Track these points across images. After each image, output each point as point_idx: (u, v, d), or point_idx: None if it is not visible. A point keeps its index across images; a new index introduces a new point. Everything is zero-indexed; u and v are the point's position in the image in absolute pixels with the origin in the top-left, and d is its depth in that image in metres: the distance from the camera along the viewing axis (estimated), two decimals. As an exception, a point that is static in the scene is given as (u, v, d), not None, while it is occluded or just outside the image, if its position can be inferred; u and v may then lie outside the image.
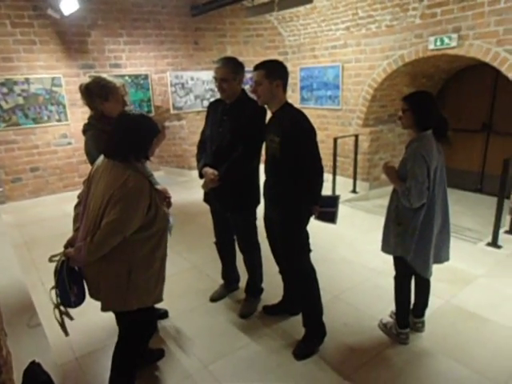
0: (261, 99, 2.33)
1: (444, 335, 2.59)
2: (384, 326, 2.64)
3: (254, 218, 2.75)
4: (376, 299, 2.98)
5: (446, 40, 4.45)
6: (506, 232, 4.09)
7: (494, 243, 3.86)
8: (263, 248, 2.80)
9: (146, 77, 6.26)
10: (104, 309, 1.87)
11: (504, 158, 3.82)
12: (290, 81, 6.42)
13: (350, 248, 3.95)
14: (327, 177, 5.41)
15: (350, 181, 5.74)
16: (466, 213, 4.80)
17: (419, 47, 4.75)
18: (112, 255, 1.77)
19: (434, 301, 2.73)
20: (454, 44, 4.40)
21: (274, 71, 2.26)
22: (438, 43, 4.53)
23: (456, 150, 5.70)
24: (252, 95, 2.45)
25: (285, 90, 2.31)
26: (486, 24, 4.13)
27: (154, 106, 6.45)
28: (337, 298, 3.05)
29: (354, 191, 5.66)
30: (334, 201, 2.40)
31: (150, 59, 6.31)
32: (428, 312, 2.63)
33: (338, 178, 5.60)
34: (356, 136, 5.55)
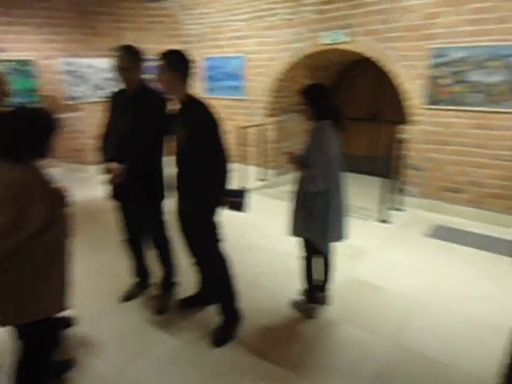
0: (165, 90, 2.30)
1: (346, 305, 2.87)
2: (295, 304, 2.83)
3: (162, 211, 2.72)
4: (288, 280, 3.17)
5: (338, 35, 4.82)
6: (394, 209, 4.65)
7: (384, 220, 4.37)
8: (175, 240, 2.79)
9: (31, 63, 5.63)
10: (2, 323, 1.69)
11: (386, 143, 4.33)
12: (195, 71, 6.42)
13: (262, 234, 4.12)
14: (238, 166, 5.58)
15: (259, 169, 5.94)
16: (360, 194, 5.32)
17: (314, 41, 5.07)
18: (5, 264, 1.60)
19: (337, 275, 3.00)
20: (344, 39, 4.79)
21: (176, 62, 2.23)
22: (331, 38, 4.88)
23: (350, 137, 6.24)
24: (156, 85, 2.39)
25: (188, 82, 2.30)
26: (372, 22, 4.57)
27: (42, 96, 5.84)
28: (252, 283, 3.17)
29: (263, 179, 5.88)
30: (241, 192, 2.47)
31: (36, 43, 5.68)
32: (333, 286, 2.89)
33: (248, 167, 5.76)
34: (262, 125, 5.74)
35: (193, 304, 2.84)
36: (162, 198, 2.71)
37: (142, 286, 3.04)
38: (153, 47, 6.08)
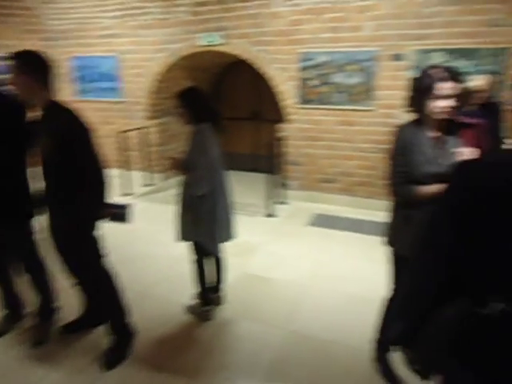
0: (20, 94, 2.03)
1: (241, 302, 2.96)
2: (190, 309, 2.81)
3: (31, 231, 2.42)
4: (182, 286, 3.12)
5: (213, 38, 4.90)
6: (278, 203, 4.95)
7: (270, 214, 4.62)
8: (51, 261, 2.50)
9: None
10: None
11: (267, 141, 4.58)
12: (62, 71, 5.83)
13: (151, 242, 3.98)
14: (120, 173, 5.27)
15: (144, 174, 5.71)
16: (247, 191, 5.52)
17: (191, 42, 5.06)
18: None
19: (230, 274, 3.07)
20: (220, 41, 4.89)
21: (30, 64, 1.99)
22: (207, 40, 4.94)
23: (234, 136, 6.43)
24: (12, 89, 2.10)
25: (49, 86, 2.07)
26: (245, 26, 4.75)
27: None
28: (143, 294, 3.04)
29: (149, 184, 5.66)
30: (122, 206, 2.33)
31: None
32: (226, 285, 2.94)
33: (131, 172, 5.48)
34: (144, 129, 5.52)
35: (78, 328, 2.59)
36: (29, 215, 2.40)
37: (14, 318, 2.66)
38: (9, 43, 5.37)
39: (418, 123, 1.88)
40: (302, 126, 4.85)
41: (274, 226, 4.38)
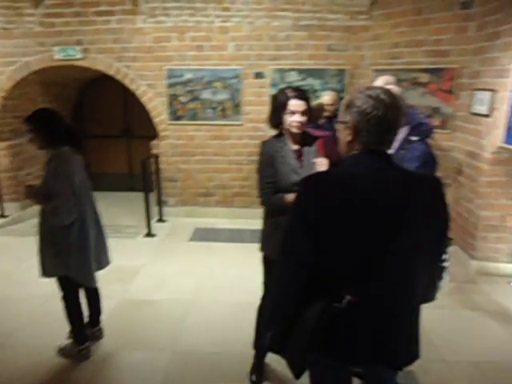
0: None
1: (122, 331, 2.78)
2: (63, 351, 2.52)
3: None
4: (51, 327, 2.78)
5: (70, 51, 4.56)
6: (157, 221, 4.82)
7: (150, 233, 4.46)
8: None
9: None
10: None
11: (142, 159, 4.44)
12: None
13: (10, 282, 3.46)
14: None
15: (-4, 204, 4.94)
16: (123, 212, 5.24)
17: (45, 56, 4.61)
18: None
19: (108, 303, 2.86)
20: (78, 56, 4.57)
21: None
22: (63, 54, 4.57)
23: (104, 155, 6.06)
24: None
25: None
26: (104, 40, 4.53)
27: None
28: (3, 344, 2.62)
29: (1, 215, 4.91)
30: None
31: None
32: (104, 316, 2.73)
33: (-23, 203, 4.67)
34: (-9, 152, 4.78)
35: None
36: None
37: None
38: None
39: (279, 137, 2.07)
40: (176, 142, 4.84)
41: (155, 246, 4.25)
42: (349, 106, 1.26)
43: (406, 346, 1.31)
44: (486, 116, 3.44)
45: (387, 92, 1.22)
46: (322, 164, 2.11)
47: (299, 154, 2.09)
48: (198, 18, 4.43)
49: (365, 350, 1.25)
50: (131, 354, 2.57)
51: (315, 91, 4.55)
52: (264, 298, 2.25)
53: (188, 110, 4.71)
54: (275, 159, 2.02)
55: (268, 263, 2.14)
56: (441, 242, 1.33)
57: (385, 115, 1.19)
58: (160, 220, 4.88)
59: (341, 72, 4.52)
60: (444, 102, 3.96)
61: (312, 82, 4.56)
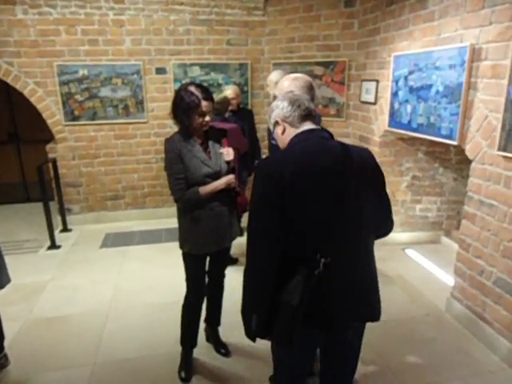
0: None
1: (34, 353, 2.52)
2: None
3: None
4: None
5: None
6: (61, 231, 4.43)
7: (54, 245, 4.08)
8: None
9: None
10: None
11: (38, 165, 4.03)
12: None
13: None
14: None
15: None
16: (21, 225, 4.72)
17: None
18: None
19: (11, 326, 2.57)
20: None
21: None
22: None
23: (-10, 165, 5.36)
24: None
25: None
26: None
27: None
28: None
29: None
30: None
31: None
32: (9, 341, 2.45)
33: None
34: None
35: None
36: None
37: None
38: None
39: (184, 133, 2.06)
40: (75, 145, 4.48)
41: (61, 258, 3.90)
42: (272, 110, 1.50)
43: (377, 295, 1.48)
44: (373, 104, 3.84)
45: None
46: (228, 153, 2.17)
47: (205, 147, 2.11)
48: (89, 10, 4.14)
49: (345, 309, 1.39)
50: (47, 375, 2.35)
51: (219, 85, 4.60)
52: (188, 295, 2.24)
53: (86, 109, 4.39)
54: (183, 154, 2.00)
55: (189, 259, 2.13)
56: (384, 194, 1.53)
57: (295, 98, 1.46)
58: (64, 230, 4.49)
59: (242, 66, 4.63)
60: (338, 92, 4.32)
61: (215, 77, 4.59)
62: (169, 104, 4.40)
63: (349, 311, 1.41)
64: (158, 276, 3.50)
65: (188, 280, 2.20)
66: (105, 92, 4.37)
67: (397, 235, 4.06)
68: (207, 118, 2.04)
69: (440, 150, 3.90)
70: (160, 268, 3.64)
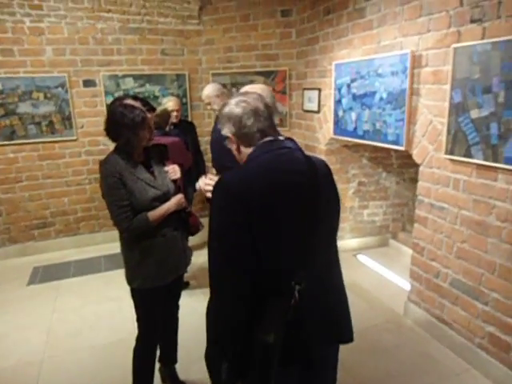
0: None
1: None
2: None
3: None
4: None
5: None
6: (-21, 269, 3.82)
7: (-31, 287, 3.48)
8: None
9: None
10: None
11: None
12: None
13: None
14: None
15: None
16: None
17: None
18: None
19: None
20: None
21: None
22: None
23: None
24: None
25: None
26: None
27: None
28: None
29: None
30: None
31: None
32: None
33: None
34: None
35: None
36: None
37: None
38: None
39: (122, 152, 1.80)
40: (-11, 168, 3.92)
41: (-22, 301, 3.33)
42: (224, 122, 1.26)
43: (349, 316, 1.37)
44: (317, 112, 3.83)
45: (241, 95, 1.28)
46: (174, 171, 1.96)
47: (147, 166, 1.88)
48: (0, 17, 3.66)
49: (322, 334, 1.24)
50: None
51: (156, 98, 4.32)
52: (141, 337, 1.95)
53: (2, 128, 3.85)
54: (125, 178, 1.74)
55: (141, 296, 1.85)
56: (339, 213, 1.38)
57: (243, 110, 1.22)
58: (-19, 267, 3.88)
59: (180, 77, 4.40)
60: (280, 102, 4.26)
61: (151, 89, 4.31)
62: (101, 119, 4.09)
63: (326, 336, 1.27)
64: (99, 312, 3.11)
65: (140, 319, 1.92)
66: (24, 108, 3.87)
67: (347, 242, 4.06)
68: (150, 131, 1.82)
69: (382, 156, 3.98)
70: (101, 302, 3.24)
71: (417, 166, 4.08)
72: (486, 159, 2.16)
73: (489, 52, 2.06)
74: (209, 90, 3.44)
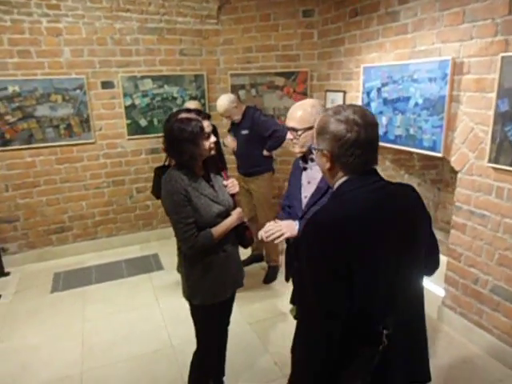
0: None
1: None
2: None
3: None
4: None
5: None
6: (-1, 277, 3.74)
7: (-7, 296, 3.41)
8: None
9: None
10: None
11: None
12: None
13: None
14: None
15: None
16: None
17: None
18: None
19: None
20: None
21: None
22: None
23: None
24: None
25: None
26: None
27: None
28: None
29: None
30: None
31: None
32: None
33: None
34: None
35: None
36: None
37: None
38: None
39: (183, 167, 1.75)
40: (8, 173, 3.80)
41: (3, 311, 3.25)
42: (320, 132, 1.15)
43: (427, 355, 1.29)
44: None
45: (358, 111, 1.12)
46: (233, 185, 1.93)
47: (207, 180, 1.84)
48: (16, 17, 3.53)
49: (401, 376, 1.18)
50: None
51: (174, 99, 4.25)
52: (200, 353, 1.92)
53: (19, 132, 3.74)
54: (190, 194, 1.70)
55: (203, 312, 1.82)
56: (433, 233, 1.31)
57: (358, 136, 1.09)
58: (1, 274, 3.80)
59: (198, 77, 4.32)
60: (300, 103, 4.22)
61: (169, 90, 4.23)
62: (119, 122, 4.02)
63: (407, 377, 1.23)
64: (129, 321, 3.07)
65: (201, 334, 1.89)
66: (42, 111, 3.77)
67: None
68: (213, 139, 1.77)
69: (405, 158, 3.98)
70: (130, 310, 3.20)
71: (437, 167, 4.13)
72: (534, 169, 2.17)
73: (541, 63, 2.05)
74: (226, 104, 3.39)
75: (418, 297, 1.25)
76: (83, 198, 4.15)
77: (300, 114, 1.76)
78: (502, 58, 2.23)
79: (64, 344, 2.81)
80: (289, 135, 1.79)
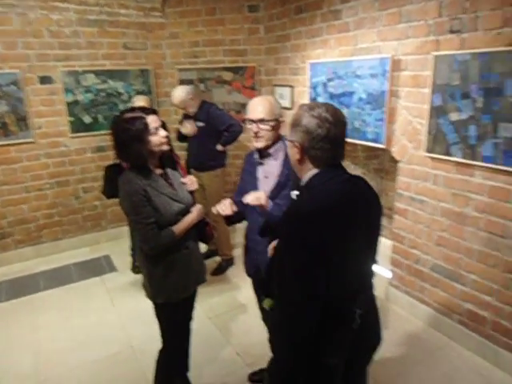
0: None
1: None
2: None
3: None
4: None
5: None
6: None
7: None
8: None
9: None
10: None
11: None
12: None
13: None
14: None
15: None
16: None
17: None
18: None
19: None
20: None
21: None
22: None
23: None
24: None
25: None
26: None
27: None
28: None
29: None
30: None
31: None
32: None
33: None
34: None
35: None
36: None
37: None
38: None
39: (140, 166, 1.73)
40: None
41: None
42: (294, 124, 1.23)
43: (379, 320, 1.44)
44: (289, 109, 3.91)
45: (330, 110, 1.20)
46: (191, 182, 1.94)
47: (165, 178, 1.83)
48: None
49: (367, 346, 1.36)
50: None
51: (120, 94, 4.11)
52: (166, 351, 1.93)
53: None
54: (149, 194, 1.68)
55: (168, 309, 1.83)
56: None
57: (328, 132, 1.18)
58: None
59: (144, 72, 4.21)
60: (249, 98, 4.24)
61: (114, 85, 4.07)
62: (61, 119, 3.81)
63: (370, 345, 1.41)
64: (85, 326, 2.96)
65: (166, 333, 1.89)
66: (-29, 109, 3.47)
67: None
68: (163, 133, 1.74)
69: (350, 149, 4.19)
70: (85, 315, 3.09)
71: (378, 157, 4.39)
72: (464, 157, 2.41)
73: (468, 62, 2.28)
74: (182, 95, 3.36)
75: (372, 272, 1.39)
76: (24, 201, 3.89)
77: (267, 105, 1.77)
78: (435, 56, 2.44)
79: (16, 357, 2.66)
80: (254, 129, 1.77)
